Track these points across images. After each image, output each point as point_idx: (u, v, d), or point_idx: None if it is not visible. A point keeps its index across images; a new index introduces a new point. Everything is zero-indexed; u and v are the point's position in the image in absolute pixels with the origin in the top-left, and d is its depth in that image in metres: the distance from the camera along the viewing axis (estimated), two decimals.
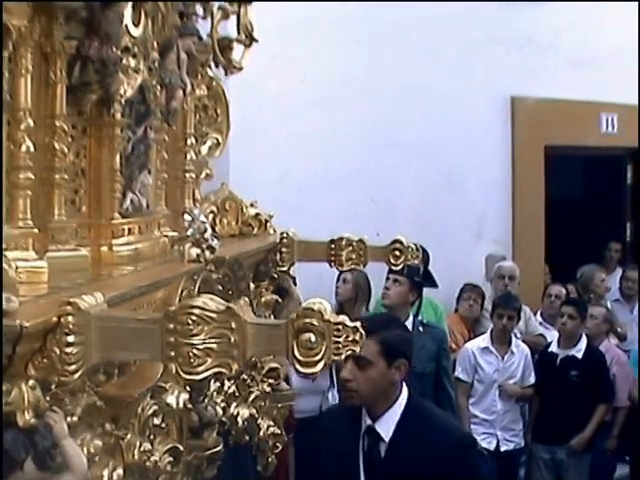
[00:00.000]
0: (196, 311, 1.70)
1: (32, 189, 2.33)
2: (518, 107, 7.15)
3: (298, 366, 1.71)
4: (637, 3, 6.91)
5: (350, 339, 1.73)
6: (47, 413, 1.72)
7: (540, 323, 6.80)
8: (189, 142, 3.68)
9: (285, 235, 4.21)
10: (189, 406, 2.82)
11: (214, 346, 1.70)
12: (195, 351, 1.70)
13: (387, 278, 5.57)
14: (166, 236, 3.31)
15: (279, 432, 3.96)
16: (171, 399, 2.58)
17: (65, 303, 1.73)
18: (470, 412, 6.05)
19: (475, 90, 6.91)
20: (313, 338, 1.70)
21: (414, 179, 6.85)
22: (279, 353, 1.72)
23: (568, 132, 7.26)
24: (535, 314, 6.83)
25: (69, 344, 1.72)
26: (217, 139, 4.33)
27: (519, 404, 6.16)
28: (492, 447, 6.01)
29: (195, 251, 3.10)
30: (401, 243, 4.21)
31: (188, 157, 3.70)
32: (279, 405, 4.08)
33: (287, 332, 1.71)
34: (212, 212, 4.26)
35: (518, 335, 6.50)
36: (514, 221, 7.27)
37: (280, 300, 4.30)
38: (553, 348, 6.15)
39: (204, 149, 4.16)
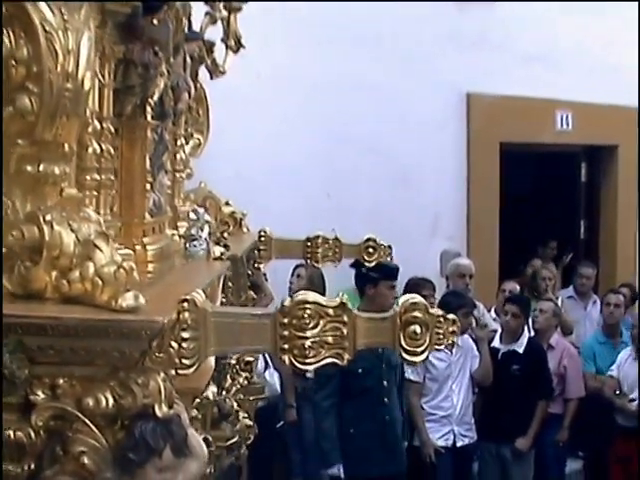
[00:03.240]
0: (312, 306, 1.93)
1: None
2: (474, 104, 7.51)
3: (405, 355, 1.97)
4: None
5: (450, 330, 1.99)
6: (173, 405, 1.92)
7: (494, 319, 7.14)
8: (179, 142, 3.85)
9: (263, 233, 4.45)
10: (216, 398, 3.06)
11: (329, 339, 1.93)
12: (309, 343, 1.93)
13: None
14: (173, 234, 3.50)
15: (251, 424, 4.23)
16: (206, 391, 2.79)
17: (182, 300, 1.93)
18: (425, 411, 6.33)
19: (431, 87, 7.25)
20: (418, 329, 1.96)
21: (369, 175, 7.14)
22: (387, 344, 1.97)
23: (523, 129, 7.65)
24: (489, 310, 7.18)
25: (186, 339, 1.92)
26: (199, 139, 4.55)
27: (472, 397, 6.47)
28: (449, 443, 6.32)
29: (219, 249, 3.32)
30: (374, 241, 4.52)
31: (178, 157, 3.87)
32: (251, 398, 4.35)
33: (394, 324, 1.96)
34: (191, 211, 4.48)
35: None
36: (469, 218, 7.62)
37: (255, 296, 4.55)
38: (495, 343, 6.51)
39: (187, 149, 4.36)
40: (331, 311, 1.94)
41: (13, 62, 2.03)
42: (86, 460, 1.87)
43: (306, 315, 1.93)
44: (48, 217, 1.97)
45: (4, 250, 2.05)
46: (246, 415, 4.18)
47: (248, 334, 1.96)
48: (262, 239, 4.45)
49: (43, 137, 2.04)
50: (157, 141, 3.25)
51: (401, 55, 7.10)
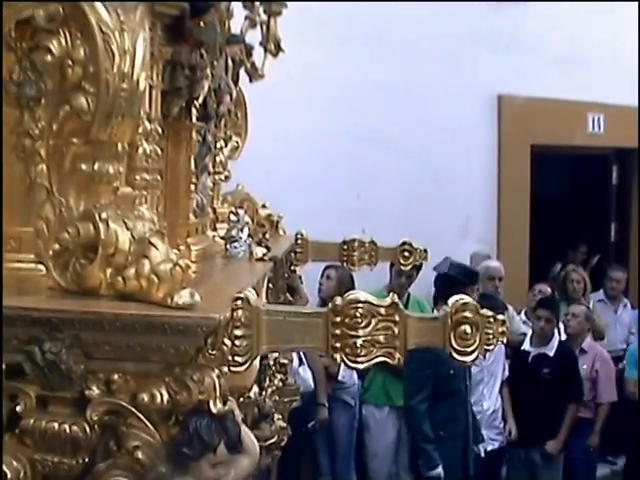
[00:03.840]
0: (364, 305, 1.94)
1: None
2: (505, 106, 7.46)
3: (455, 355, 1.96)
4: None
5: (500, 331, 1.99)
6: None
7: (524, 322, 7.08)
8: (219, 145, 3.87)
9: (300, 236, 4.45)
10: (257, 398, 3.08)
11: (380, 338, 1.93)
12: (361, 342, 1.94)
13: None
14: (214, 236, 3.52)
15: (284, 425, 4.24)
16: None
17: (236, 298, 1.94)
18: None
19: (462, 88, 7.20)
20: (468, 330, 1.96)
21: (400, 177, 7.11)
22: (437, 343, 1.97)
23: (554, 131, 7.58)
24: (519, 313, 7.13)
25: (239, 337, 1.93)
26: (237, 142, 4.57)
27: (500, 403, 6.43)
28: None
29: (261, 250, 3.33)
30: (410, 245, 4.50)
31: (218, 159, 3.88)
32: (285, 400, 4.36)
33: (445, 324, 1.96)
34: (231, 212, 4.48)
35: None
36: (499, 220, 7.57)
37: (291, 298, 4.55)
38: (525, 346, 6.45)
39: (226, 151, 4.38)
40: (383, 310, 1.94)
41: (69, 62, 2.06)
42: (140, 455, 1.88)
43: (358, 314, 1.94)
44: (104, 215, 1.99)
45: (57, 247, 2.08)
46: (280, 417, 4.20)
47: (300, 332, 1.97)
48: (299, 242, 4.45)
49: (98, 136, 2.06)
50: (201, 143, 3.28)
51: (432, 56, 7.07)
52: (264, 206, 4.63)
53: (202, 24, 2.77)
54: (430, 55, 7.10)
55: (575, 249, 8.49)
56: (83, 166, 2.09)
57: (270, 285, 3.68)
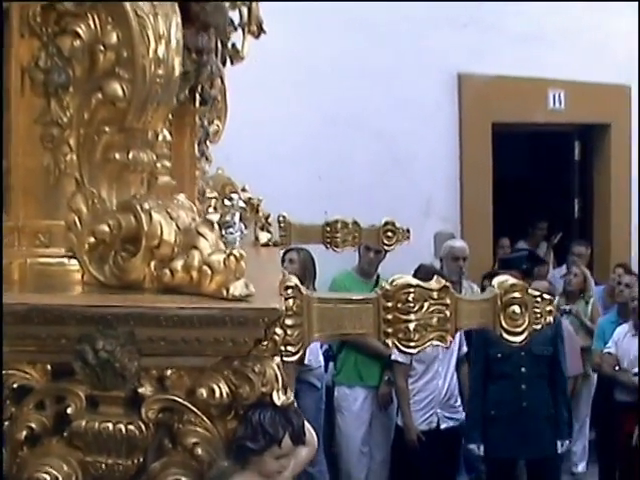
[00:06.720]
0: (416, 290, 1.90)
1: None
2: (465, 84, 7.45)
3: (506, 335, 1.94)
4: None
5: (547, 310, 1.97)
6: None
7: None
8: None
9: (282, 219, 4.38)
10: None
11: (433, 321, 1.90)
12: (414, 326, 1.90)
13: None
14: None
15: None
16: None
17: (287, 287, 1.89)
18: (410, 392, 6.28)
19: (422, 68, 7.18)
20: (517, 310, 1.94)
21: (362, 157, 7.08)
22: (487, 325, 1.95)
23: (515, 109, 7.60)
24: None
25: (291, 326, 1.88)
26: (218, 125, 4.47)
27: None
28: (433, 426, 6.23)
29: (266, 235, 3.27)
30: (393, 224, 4.46)
31: None
32: None
33: (495, 305, 1.94)
34: (215, 197, 4.40)
35: None
36: (462, 198, 7.58)
37: None
38: None
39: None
40: (435, 294, 1.92)
41: (100, 47, 1.96)
42: (200, 451, 1.82)
43: (410, 298, 1.91)
44: (146, 206, 1.90)
45: (92, 240, 1.98)
46: None
47: (350, 319, 1.93)
48: (281, 225, 4.38)
49: (133, 124, 1.97)
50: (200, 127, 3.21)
51: (392, 36, 7.02)
52: (244, 189, 4.55)
53: (209, 6, 2.69)
54: (389, 35, 7.06)
55: (534, 226, 8.54)
56: (117, 155, 2.00)
57: None
